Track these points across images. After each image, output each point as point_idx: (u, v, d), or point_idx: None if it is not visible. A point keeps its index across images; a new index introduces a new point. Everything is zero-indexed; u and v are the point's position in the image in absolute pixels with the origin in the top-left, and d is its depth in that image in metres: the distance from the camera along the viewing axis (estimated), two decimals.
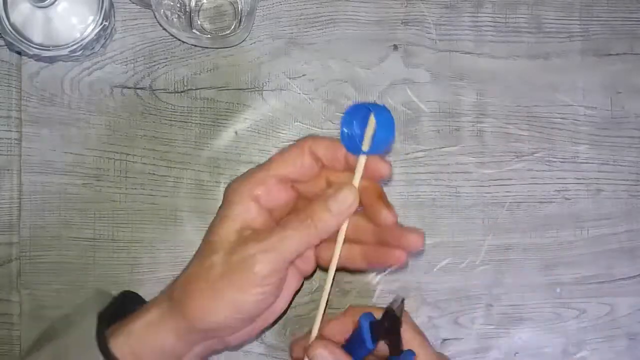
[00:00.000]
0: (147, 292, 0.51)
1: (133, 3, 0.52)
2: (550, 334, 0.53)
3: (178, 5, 0.51)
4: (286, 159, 0.39)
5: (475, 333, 0.52)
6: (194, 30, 0.51)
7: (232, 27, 0.53)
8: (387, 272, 0.52)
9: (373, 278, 0.52)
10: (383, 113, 0.39)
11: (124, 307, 0.42)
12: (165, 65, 0.52)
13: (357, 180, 0.39)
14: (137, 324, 0.39)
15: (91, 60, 0.52)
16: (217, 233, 0.39)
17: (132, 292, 0.46)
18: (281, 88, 0.53)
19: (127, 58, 0.52)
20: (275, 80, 0.53)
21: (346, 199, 0.38)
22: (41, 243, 0.51)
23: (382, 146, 0.39)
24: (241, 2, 0.52)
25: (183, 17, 0.51)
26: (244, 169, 0.51)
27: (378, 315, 0.42)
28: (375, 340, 0.42)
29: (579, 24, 0.54)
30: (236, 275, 0.37)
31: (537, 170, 0.53)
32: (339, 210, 0.38)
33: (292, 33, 0.53)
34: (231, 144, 0.52)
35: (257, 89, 0.53)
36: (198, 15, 0.53)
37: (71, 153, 0.52)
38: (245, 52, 0.53)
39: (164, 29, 0.51)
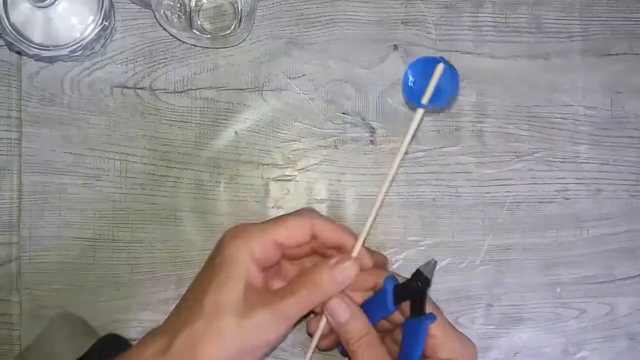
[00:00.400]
0: (147, 291, 0.51)
1: (133, 3, 0.52)
2: (550, 334, 0.53)
3: (178, 5, 0.51)
4: (288, 229, 0.42)
5: (475, 333, 0.52)
6: (194, 30, 0.51)
7: (232, 27, 0.53)
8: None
9: None
10: (449, 67, 0.40)
11: (104, 352, 0.42)
12: (165, 65, 0.52)
13: (356, 252, 0.43)
14: None
15: (91, 60, 0.52)
16: (224, 293, 0.39)
17: (115, 335, 0.46)
18: (281, 88, 0.53)
19: (127, 58, 0.52)
20: (275, 80, 0.53)
21: (350, 270, 0.41)
22: (41, 243, 0.51)
23: (442, 100, 0.41)
24: (241, 2, 0.52)
25: (183, 17, 0.51)
26: (243, 169, 0.52)
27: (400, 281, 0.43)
28: (397, 304, 0.43)
29: (579, 24, 0.54)
30: (248, 339, 0.38)
31: (537, 170, 0.53)
32: (343, 279, 0.41)
33: (292, 33, 0.53)
34: (231, 144, 0.52)
35: (257, 89, 0.53)
36: (198, 15, 0.53)
37: (71, 153, 0.52)
38: (245, 52, 0.53)
39: (164, 29, 0.51)
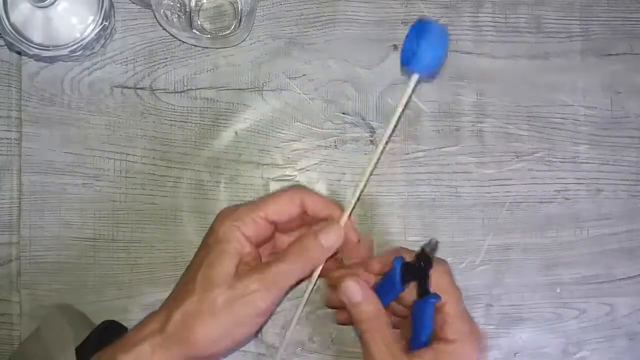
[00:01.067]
0: (146, 291, 0.51)
1: (133, 3, 0.52)
2: (550, 334, 0.53)
3: (178, 5, 0.51)
4: (278, 205, 0.43)
5: None
6: (194, 30, 0.51)
7: (232, 27, 0.53)
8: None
9: None
10: (433, 30, 0.41)
11: (102, 337, 0.43)
12: (165, 65, 0.52)
13: (342, 221, 0.44)
14: (125, 358, 0.39)
15: (91, 60, 0.52)
16: (216, 269, 0.40)
17: (112, 321, 0.47)
18: (281, 88, 0.53)
19: (127, 58, 0.52)
20: (275, 80, 0.53)
21: (334, 235, 0.43)
22: (41, 243, 0.51)
23: (429, 64, 0.41)
24: (241, 2, 0.52)
25: (183, 17, 0.51)
26: (244, 169, 0.52)
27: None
28: (404, 283, 0.43)
29: (579, 24, 0.54)
30: (239, 309, 0.39)
31: (537, 170, 0.53)
32: (328, 244, 0.43)
33: (292, 33, 0.53)
34: (231, 144, 0.52)
35: (257, 89, 0.53)
36: (198, 15, 0.53)
37: (71, 153, 0.52)
38: (245, 52, 0.53)
39: (164, 29, 0.51)
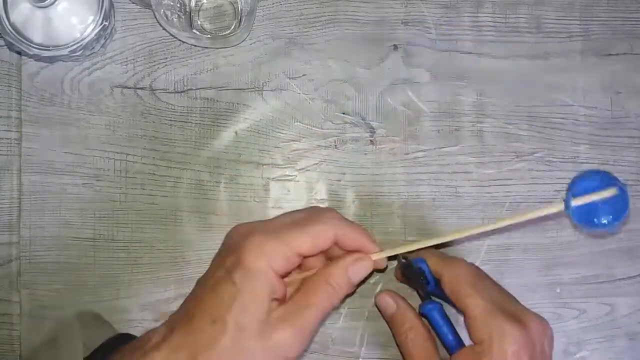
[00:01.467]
0: (147, 291, 0.51)
1: (133, 3, 0.52)
2: None
3: (178, 5, 0.51)
4: (312, 238, 0.40)
5: None
6: (194, 30, 0.51)
7: (232, 27, 0.53)
8: (386, 272, 0.52)
9: (372, 278, 0.52)
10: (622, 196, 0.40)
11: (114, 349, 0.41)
12: (165, 65, 0.52)
13: (376, 256, 0.43)
14: None
15: (91, 60, 0.52)
16: (249, 313, 0.37)
17: (125, 334, 0.46)
18: (281, 88, 0.53)
19: (127, 58, 0.52)
20: (275, 80, 0.53)
21: (364, 269, 0.42)
22: (41, 243, 0.51)
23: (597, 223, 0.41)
24: (241, 2, 0.52)
25: (183, 17, 0.51)
26: (244, 169, 0.52)
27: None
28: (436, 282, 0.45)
29: (579, 24, 0.54)
30: (267, 353, 0.37)
31: (537, 171, 0.53)
32: (356, 279, 0.42)
33: (292, 33, 0.53)
34: (231, 144, 0.52)
35: (257, 89, 0.53)
36: (198, 15, 0.53)
37: (71, 153, 0.52)
38: (245, 52, 0.53)
39: (164, 28, 0.51)
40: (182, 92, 0.52)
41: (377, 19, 0.53)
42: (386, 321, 0.48)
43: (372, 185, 0.52)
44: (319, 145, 0.53)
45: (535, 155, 0.53)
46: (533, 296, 0.52)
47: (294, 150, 0.53)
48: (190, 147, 0.52)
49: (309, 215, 0.41)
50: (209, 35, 0.52)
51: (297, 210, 0.44)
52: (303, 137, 0.53)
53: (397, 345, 0.46)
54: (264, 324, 0.37)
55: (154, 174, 0.52)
